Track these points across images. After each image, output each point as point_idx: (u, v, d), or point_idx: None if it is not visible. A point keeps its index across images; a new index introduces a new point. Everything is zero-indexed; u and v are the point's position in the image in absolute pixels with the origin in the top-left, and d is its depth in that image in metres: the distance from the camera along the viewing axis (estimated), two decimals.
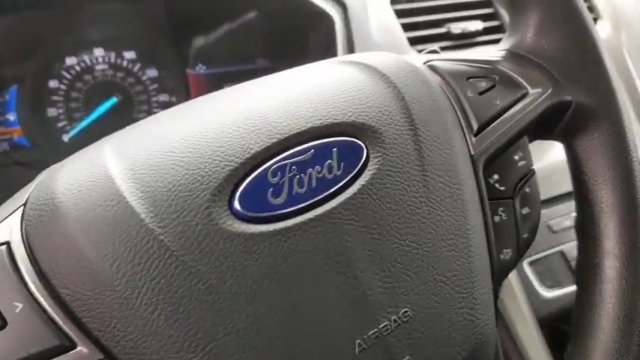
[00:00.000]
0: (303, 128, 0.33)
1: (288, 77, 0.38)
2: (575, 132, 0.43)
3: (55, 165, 0.33)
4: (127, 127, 0.36)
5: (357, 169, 0.33)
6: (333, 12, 0.72)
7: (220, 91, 0.39)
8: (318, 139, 0.33)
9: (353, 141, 0.34)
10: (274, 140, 0.32)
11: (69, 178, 0.30)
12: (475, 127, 0.39)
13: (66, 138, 0.70)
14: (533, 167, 0.44)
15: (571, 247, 0.79)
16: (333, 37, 0.72)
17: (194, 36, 0.78)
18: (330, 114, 0.34)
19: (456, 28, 0.83)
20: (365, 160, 0.34)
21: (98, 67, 0.72)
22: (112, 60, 0.73)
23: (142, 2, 0.72)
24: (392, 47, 0.77)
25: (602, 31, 0.97)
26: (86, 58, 0.71)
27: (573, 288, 0.43)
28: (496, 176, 0.42)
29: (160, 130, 0.34)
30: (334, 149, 0.33)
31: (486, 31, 0.84)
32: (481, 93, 0.41)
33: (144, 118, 0.74)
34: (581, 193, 0.43)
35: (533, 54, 0.44)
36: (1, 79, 0.67)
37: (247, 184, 0.31)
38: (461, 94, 0.40)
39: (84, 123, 0.71)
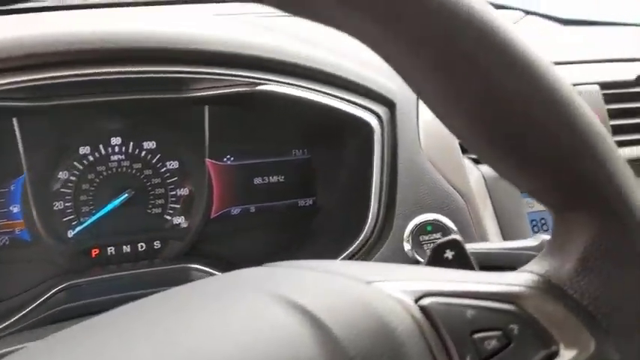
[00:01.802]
0: None
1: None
2: None
3: None
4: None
5: None
6: (373, 120, 0.62)
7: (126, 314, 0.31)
8: None
9: None
10: None
11: None
12: None
13: (71, 234, 0.65)
14: None
15: None
16: (371, 143, 0.63)
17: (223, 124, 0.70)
18: None
19: None
20: None
21: (114, 158, 0.66)
22: (130, 150, 0.67)
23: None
24: (441, 153, 0.66)
25: None
26: (101, 147, 0.66)
27: None
28: None
29: None
30: None
31: None
32: (486, 359, 0.30)
33: (158, 213, 0.69)
34: None
35: (577, 290, 0.33)
36: (8, 168, 0.63)
37: None
38: None
39: (92, 219, 0.65)
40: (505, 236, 0.67)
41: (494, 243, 0.54)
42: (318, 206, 0.75)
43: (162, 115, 0.66)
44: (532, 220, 0.69)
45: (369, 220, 0.63)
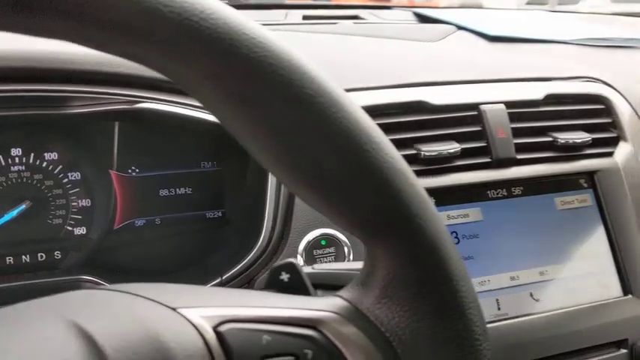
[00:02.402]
0: None
1: None
2: None
3: None
4: None
5: None
6: None
7: None
8: None
9: None
10: None
11: None
12: None
13: None
14: None
15: None
16: None
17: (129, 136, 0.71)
18: None
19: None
20: None
21: (14, 169, 0.67)
22: (31, 160, 0.67)
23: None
24: None
25: (622, 153, 0.82)
26: (1, 158, 0.66)
27: None
28: None
29: None
30: None
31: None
32: None
33: (59, 224, 0.70)
34: None
35: (377, 317, 0.34)
36: None
37: None
38: None
39: None
40: None
41: (338, 263, 0.55)
42: (227, 218, 0.76)
43: (63, 127, 0.66)
44: None
45: (262, 235, 0.64)
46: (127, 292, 0.35)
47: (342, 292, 0.36)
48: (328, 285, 0.41)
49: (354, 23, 1.14)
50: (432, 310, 0.33)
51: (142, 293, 0.34)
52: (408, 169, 0.34)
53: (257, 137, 0.31)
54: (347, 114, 0.32)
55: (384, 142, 0.33)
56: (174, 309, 0.33)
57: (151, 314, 0.32)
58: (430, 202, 0.35)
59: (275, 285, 0.40)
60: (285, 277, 0.40)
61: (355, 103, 0.33)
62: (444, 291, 0.34)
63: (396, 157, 0.33)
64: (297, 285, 0.40)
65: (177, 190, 0.73)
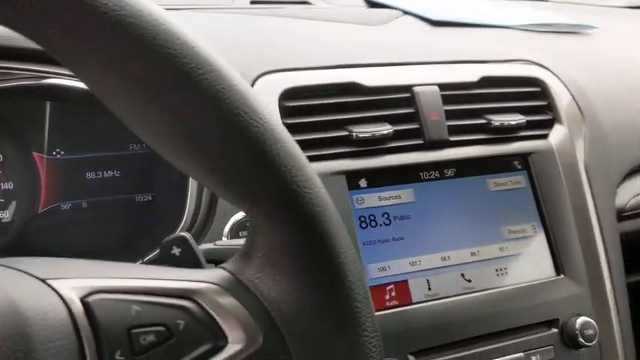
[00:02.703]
0: None
1: None
2: None
3: None
4: None
5: None
6: None
7: None
8: None
9: None
10: None
11: None
12: None
13: None
14: None
15: None
16: None
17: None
18: None
19: None
20: None
21: None
22: None
23: None
24: None
25: (557, 136, 0.83)
26: None
27: None
28: None
29: None
30: None
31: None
32: (138, 354, 0.30)
33: None
34: None
35: (256, 287, 0.34)
36: None
37: None
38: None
39: None
40: None
41: (241, 239, 0.55)
42: (157, 201, 0.75)
43: None
44: (360, 217, 0.70)
45: (184, 217, 0.63)
46: (1, 265, 0.34)
47: (225, 264, 0.35)
48: (221, 260, 0.40)
49: (302, 8, 1.13)
50: (311, 280, 0.33)
51: (14, 265, 0.33)
52: (285, 135, 0.33)
53: (122, 98, 0.31)
54: (216, 76, 0.31)
55: (258, 106, 0.32)
56: (43, 280, 0.32)
57: (17, 285, 0.31)
58: (311, 168, 0.34)
59: (166, 260, 0.39)
60: (176, 251, 0.39)
61: (229, 67, 0.32)
62: (322, 260, 0.33)
63: (271, 121, 0.32)
64: (188, 259, 0.39)
65: (105, 172, 0.72)
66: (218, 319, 0.32)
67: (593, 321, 0.74)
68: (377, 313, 0.66)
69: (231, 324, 0.32)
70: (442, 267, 0.72)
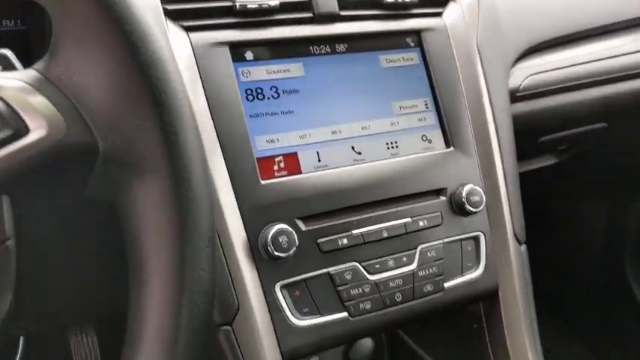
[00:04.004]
0: None
1: None
2: (113, 187, 0.33)
3: None
4: None
5: None
6: None
7: None
8: None
9: None
10: None
11: None
12: None
13: None
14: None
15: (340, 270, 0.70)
16: None
17: None
18: None
19: None
20: None
21: None
22: None
23: None
24: None
25: (450, 15, 0.84)
26: None
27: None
28: None
29: None
30: None
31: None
32: None
33: None
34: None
35: (61, 82, 0.33)
36: None
37: None
38: None
39: None
40: None
41: None
42: None
43: None
44: (247, 90, 0.70)
45: None
46: None
47: (35, 64, 0.35)
48: None
49: None
50: (116, 63, 0.33)
51: None
52: None
53: None
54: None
55: None
56: None
57: None
58: None
59: None
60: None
61: None
62: (117, 31, 0.33)
63: None
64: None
65: None
66: (20, 111, 0.32)
67: (479, 188, 0.77)
68: (265, 182, 0.67)
69: (34, 116, 0.32)
70: (332, 140, 0.73)
